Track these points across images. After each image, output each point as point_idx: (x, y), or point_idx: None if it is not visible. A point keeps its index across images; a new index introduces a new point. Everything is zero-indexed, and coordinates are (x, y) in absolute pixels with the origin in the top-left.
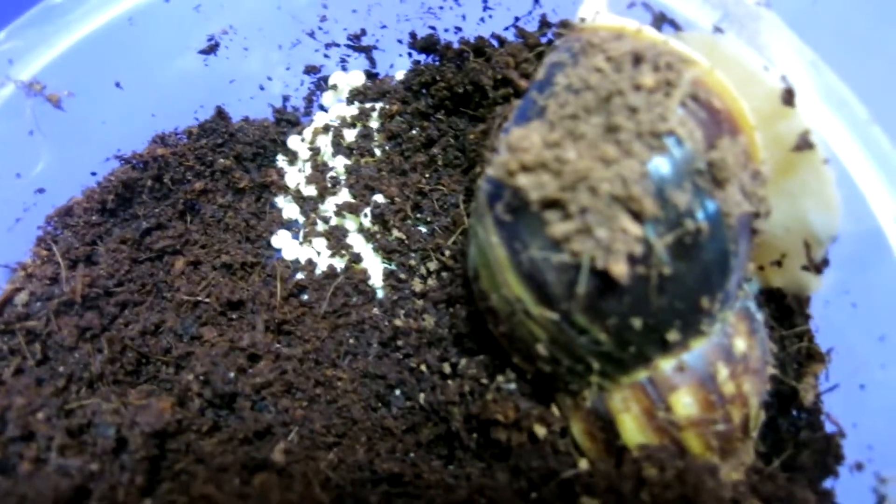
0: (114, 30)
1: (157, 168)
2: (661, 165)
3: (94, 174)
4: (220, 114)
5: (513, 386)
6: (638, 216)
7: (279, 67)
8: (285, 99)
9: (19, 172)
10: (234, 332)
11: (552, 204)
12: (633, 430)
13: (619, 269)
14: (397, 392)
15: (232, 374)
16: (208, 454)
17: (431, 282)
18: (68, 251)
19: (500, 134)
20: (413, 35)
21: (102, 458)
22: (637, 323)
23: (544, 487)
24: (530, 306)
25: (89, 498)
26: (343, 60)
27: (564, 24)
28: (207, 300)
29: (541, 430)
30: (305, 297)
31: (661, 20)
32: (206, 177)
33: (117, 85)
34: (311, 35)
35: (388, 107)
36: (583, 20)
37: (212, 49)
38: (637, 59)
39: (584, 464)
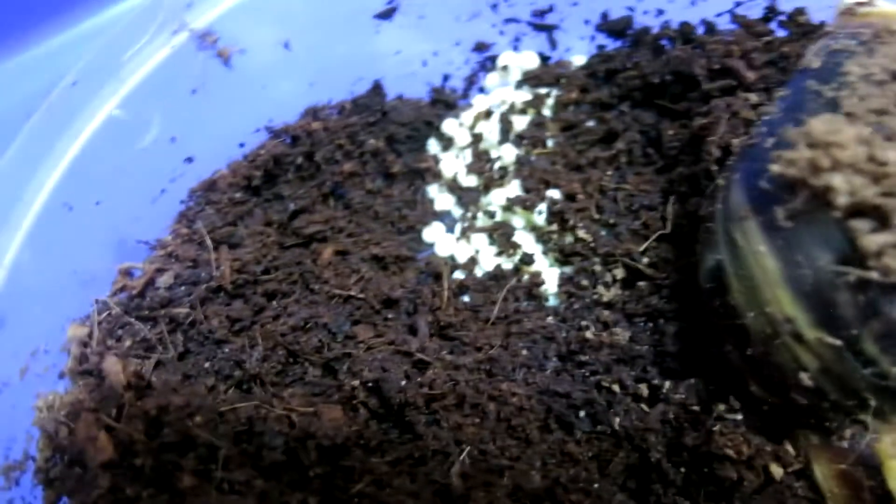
0: None
1: (309, 144)
2: None
3: (242, 146)
4: (377, 89)
5: (739, 416)
6: None
7: (448, 41)
8: (445, 78)
9: (174, 136)
10: (392, 333)
11: (863, 212)
12: None
13: None
14: (582, 413)
15: (403, 383)
16: (385, 475)
17: (617, 291)
18: (212, 230)
19: (743, 129)
20: (605, 16)
21: (269, 473)
22: None
23: None
24: (804, 328)
25: None
26: (517, 39)
27: (846, 11)
28: (361, 295)
29: (777, 470)
30: (467, 298)
31: None
32: (356, 158)
33: (285, 45)
34: (494, 7)
35: (564, 94)
36: (861, 5)
37: (389, 14)
38: None
39: None
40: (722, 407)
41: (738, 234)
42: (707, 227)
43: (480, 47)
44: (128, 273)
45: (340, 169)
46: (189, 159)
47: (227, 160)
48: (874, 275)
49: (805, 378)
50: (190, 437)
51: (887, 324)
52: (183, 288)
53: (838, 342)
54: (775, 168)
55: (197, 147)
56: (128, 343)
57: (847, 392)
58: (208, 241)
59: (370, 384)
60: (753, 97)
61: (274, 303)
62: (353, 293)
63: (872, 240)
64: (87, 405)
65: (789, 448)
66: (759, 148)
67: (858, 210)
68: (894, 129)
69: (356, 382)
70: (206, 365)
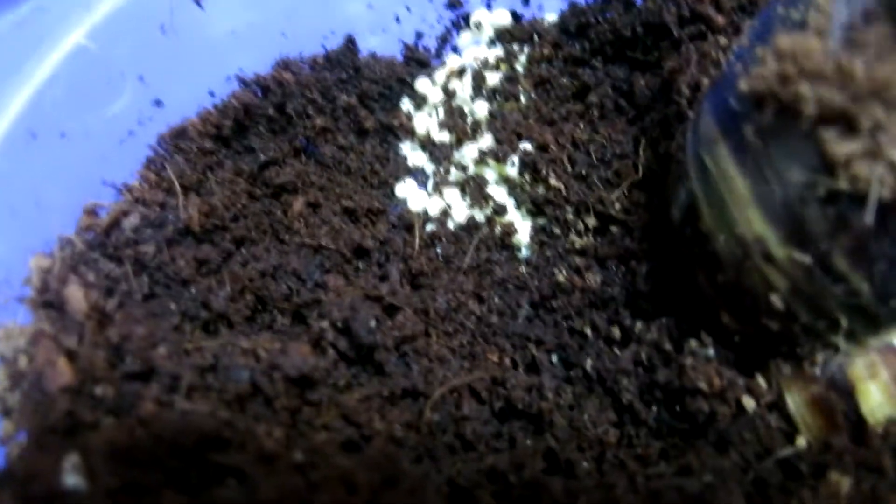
0: None
1: (280, 96)
2: None
3: (212, 94)
4: (350, 45)
5: (711, 351)
6: None
7: None
8: (418, 36)
9: (142, 75)
10: (363, 281)
11: (832, 119)
12: (879, 401)
13: None
14: (554, 358)
15: (372, 324)
16: (353, 410)
17: (589, 238)
18: (181, 177)
19: (710, 66)
20: None
21: (234, 405)
22: None
23: (759, 465)
24: (774, 247)
25: (227, 448)
26: None
27: None
28: (332, 245)
29: (749, 403)
30: (439, 250)
31: None
32: (328, 114)
33: None
34: None
35: (537, 50)
36: None
37: None
38: None
39: (801, 441)
40: (693, 343)
41: (709, 160)
42: (678, 160)
43: (454, 4)
44: (93, 212)
45: (312, 123)
46: (158, 102)
47: (197, 108)
48: (843, 185)
49: (776, 300)
50: (152, 367)
51: (857, 237)
52: (150, 230)
53: (808, 259)
54: (743, 85)
55: (166, 91)
56: (91, 278)
57: (818, 313)
58: (177, 187)
59: (339, 325)
60: (723, 40)
61: (243, 249)
62: (323, 243)
63: (841, 148)
64: (47, 333)
65: (761, 381)
66: (729, 75)
67: (826, 118)
68: (862, 40)
69: (325, 324)
70: (172, 306)
